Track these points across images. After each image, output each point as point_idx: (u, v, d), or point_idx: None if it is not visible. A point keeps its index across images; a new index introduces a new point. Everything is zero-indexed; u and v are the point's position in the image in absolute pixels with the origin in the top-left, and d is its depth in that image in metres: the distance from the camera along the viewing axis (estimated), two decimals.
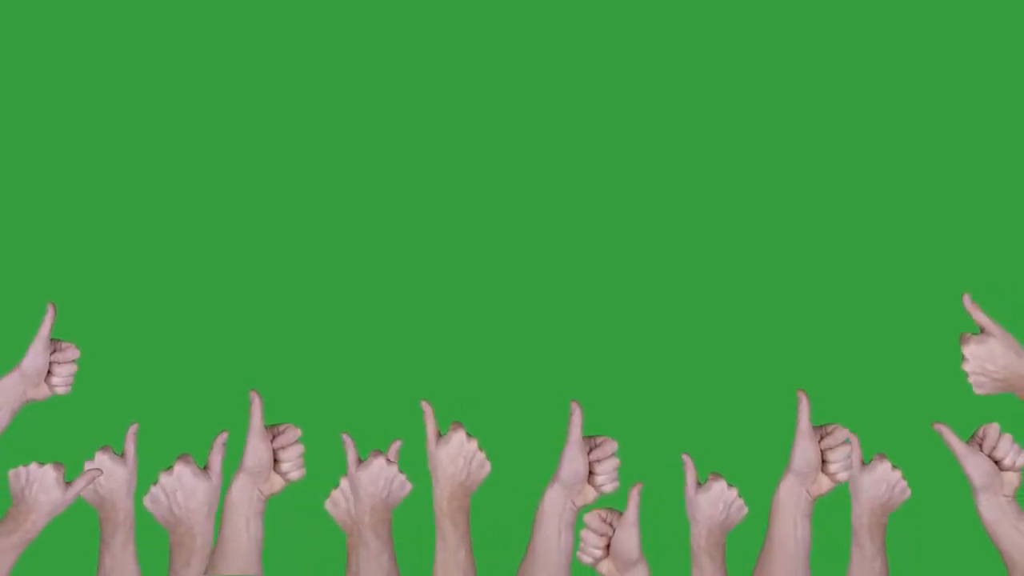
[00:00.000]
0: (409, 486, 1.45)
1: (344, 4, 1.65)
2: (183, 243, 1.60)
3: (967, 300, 1.44)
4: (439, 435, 1.45)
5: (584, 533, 1.44)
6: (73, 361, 1.45)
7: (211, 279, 1.60)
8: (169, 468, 1.45)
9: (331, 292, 1.60)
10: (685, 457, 1.45)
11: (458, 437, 1.44)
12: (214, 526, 1.45)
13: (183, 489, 1.44)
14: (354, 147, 1.63)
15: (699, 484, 1.45)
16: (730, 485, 1.44)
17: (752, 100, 1.64)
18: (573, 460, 1.42)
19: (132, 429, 1.44)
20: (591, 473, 1.44)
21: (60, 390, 1.44)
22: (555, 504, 1.43)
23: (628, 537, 1.41)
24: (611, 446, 1.45)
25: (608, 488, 1.44)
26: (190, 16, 1.64)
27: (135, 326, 1.58)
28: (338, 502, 1.47)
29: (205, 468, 1.46)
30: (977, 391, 1.45)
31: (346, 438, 1.44)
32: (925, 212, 1.62)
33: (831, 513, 1.50)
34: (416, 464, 1.52)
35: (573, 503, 1.43)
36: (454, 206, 1.62)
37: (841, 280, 1.61)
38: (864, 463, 1.45)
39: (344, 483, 1.46)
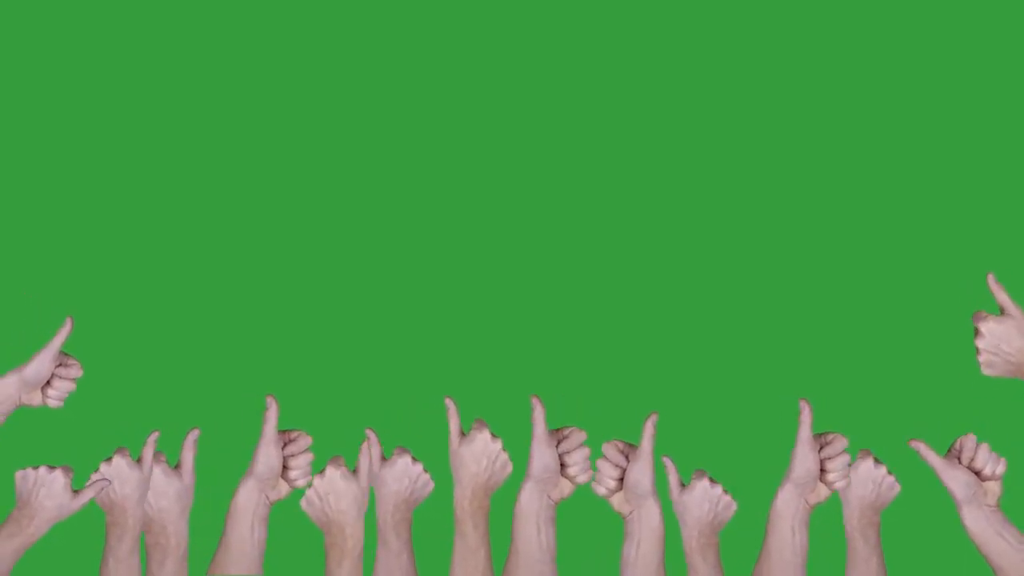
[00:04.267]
0: (432, 486, 1.45)
1: (344, 4, 1.65)
2: (198, 248, 1.58)
3: (991, 279, 1.41)
4: (462, 434, 1.44)
5: (600, 463, 1.42)
6: (73, 380, 1.43)
7: (223, 284, 1.58)
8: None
9: (340, 297, 1.59)
10: (666, 460, 1.44)
11: (483, 437, 1.43)
12: (187, 525, 1.44)
13: (153, 489, 1.43)
14: (365, 155, 1.61)
15: (683, 485, 1.44)
16: (713, 482, 1.43)
17: (752, 101, 1.63)
18: (542, 455, 1.41)
19: (152, 437, 1.42)
20: (563, 465, 1.43)
21: (52, 403, 1.42)
22: (531, 502, 1.42)
23: (641, 469, 1.40)
24: (578, 436, 1.43)
25: (582, 478, 1.43)
26: (189, 19, 1.63)
27: (148, 331, 1.56)
28: (312, 501, 1.44)
29: (177, 467, 1.44)
30: (985, 371, 1.42)
31: (370, 434, 1.44)
32: (921, 212, 1.61)
33: (827, 516, 1.50)
34: (427, 464, 1.51)
35: (550, 498, 1.42)
36: (465, 209, 1.61)
37: (832, 277, 1.59)
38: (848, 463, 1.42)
39: (318, 482, 1.43)
